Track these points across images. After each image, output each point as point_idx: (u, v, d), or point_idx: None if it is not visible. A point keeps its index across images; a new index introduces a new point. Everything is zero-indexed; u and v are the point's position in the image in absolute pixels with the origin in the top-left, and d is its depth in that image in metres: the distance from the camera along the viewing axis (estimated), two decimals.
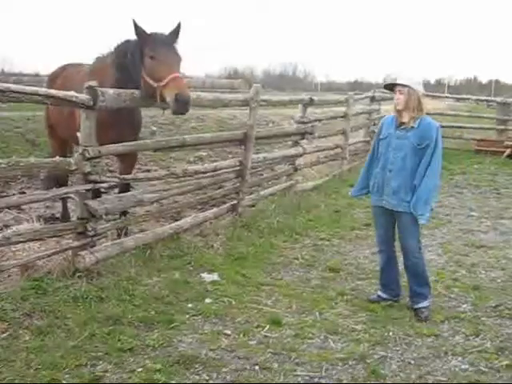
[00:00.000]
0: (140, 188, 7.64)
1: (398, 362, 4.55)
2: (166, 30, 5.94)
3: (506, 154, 16.14)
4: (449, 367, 4.48)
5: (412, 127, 5.31)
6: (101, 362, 4.26)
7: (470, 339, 4.99)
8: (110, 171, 10.60)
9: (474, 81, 74.98)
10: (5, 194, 9.88)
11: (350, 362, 4.50)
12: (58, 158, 5.68)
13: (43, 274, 5.45)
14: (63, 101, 5.28)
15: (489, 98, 28.32)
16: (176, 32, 5.96)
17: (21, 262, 5.34)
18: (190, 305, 5.41)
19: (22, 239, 5.24)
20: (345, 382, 4.22)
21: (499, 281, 6.47)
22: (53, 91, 5.32)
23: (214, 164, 7.88)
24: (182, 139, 6.97)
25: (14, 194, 9.20)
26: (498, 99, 19.96)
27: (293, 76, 79.78)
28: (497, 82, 63.83)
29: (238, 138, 8.10)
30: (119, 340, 4.54)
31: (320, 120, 12.01)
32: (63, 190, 5.67)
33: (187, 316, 5.17)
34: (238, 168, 8.09)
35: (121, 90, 5.75)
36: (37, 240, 5.73)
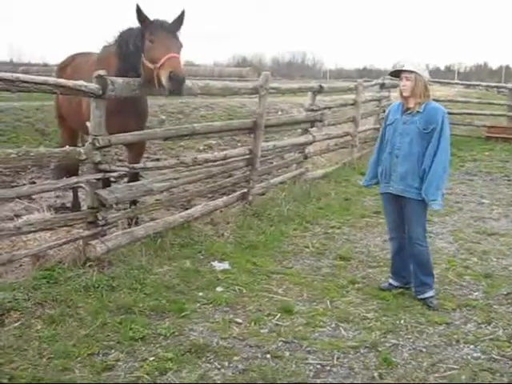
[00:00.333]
0: (150, 177, 7.65)
1: (409, 350, 4.54)
2: (172, 18, 5.92)
3: None
4: (461, 355, 4.47)
5: (418, 112, 5.29)
6: (113, 351, 4.28)
7: (482, 327, 4.97)
8: (120, 160, 10.62)
9: (484, 67, 74.52)
10: (15, 183, 9.92)
11: (362, 350, 4.50)
12: (68, 147, 5.67)
13: (54, 264, 5.47)
14: (72, 90, 5.27)
15: (499, 85, 28.17)
16: (180, 20, 5.92)
17: (32, 252, 5.35)
18: (200, 293, 5.42)
19: (32, 229, 5.25)
20: (356, 370, 4.21)
21: (511, 268, 6.43)
22: (62, 81, 5.31)
23: (224, 152, 7.86)
24: (192, 128, 6.95)
25: (24, 184, 9.21)
26: (509, 85, 19.80)
27: (302, 64, 79.57)
28: (507, 67, 63.44)
29: (248, 127, 8.07)
30: (131, 329, 4.55)
31: (330, 107, 11.96)
32: (73, 179, 5.67)
33: (198, 305, 5.18)
34: (248, 156, 8.07)
35: (130, 79, 5.74)
36: (48, 230, 5.73)
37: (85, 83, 5.29)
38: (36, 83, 4.83)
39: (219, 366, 4.17)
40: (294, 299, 5.44)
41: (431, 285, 5.49)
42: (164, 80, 5.50)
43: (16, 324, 4.52)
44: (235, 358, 4.29)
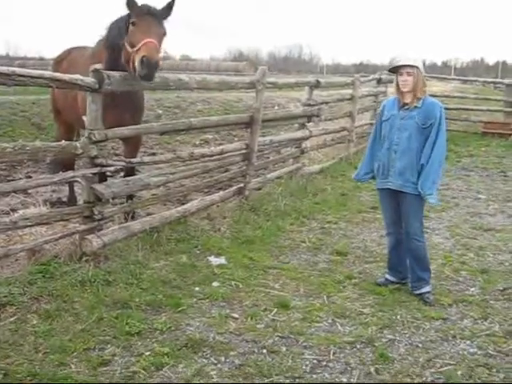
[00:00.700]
0: (146, 172, 7.63)
1: (405, 345, 4.54)
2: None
3: None
4: (457, 350, 4.47)
5: (415, 107, 5.28)
6: (109, 346, 4.27)
7: (479, 322, 4.98)
8: (116, 155, 10.61)
9: (481, 62, 74.59)
10: (11, 178, 9.90)
11: (358, 346, 4.50)
12: (64, 141, 5.66)
13: (50, 258, 5.46)
14: (69, 84, 5.24)
15: (496, 80, 28.14)
16: (169, 7, 5.80)
17: (28, 247, 5.34)
18: (197, 288, 5.41)
19: (28, 223, 5.24)
20: (353, 365, 4.21)
21: (507, 264, 6.44)
22: (58, 74, 5.28)
23: (221, 147, 7.85)
24: (189, 122, 6.93)
25: (20, 178, 9.19)
26: (506, 81, 19.78)
27: (298, 58, 79.46)
28: (504, 63, 63.47)
29: (245, 121, 8.06)
30: (127, 324, 4.54)
31: (326, 102, 11.94)
32: (70, 173, 5.65)
33: (195, 299, 5.17)
34: (245, 151, 8.06)
35: (127, 73, 5.71)
36: (44, 224, 5.71)
37: (81, 77, 5.27)
38: (32, 77, 4.81)
39: (215, 361, 4.16)
40: (290, 294, 5.44)
41: (428, 280, 5.49)
42: (137, 65, 5.40)
43: (12, 319, 4.51)
44: (231, 353, 4.29)
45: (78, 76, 5.26)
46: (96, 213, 5.67)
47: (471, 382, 4.05)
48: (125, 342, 4.32)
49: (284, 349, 4.39)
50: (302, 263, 6.33)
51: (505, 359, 4.35)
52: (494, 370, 4.17)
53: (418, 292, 5.46)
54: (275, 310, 5.06)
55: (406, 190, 5.33)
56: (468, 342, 4.62)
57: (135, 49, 5.49)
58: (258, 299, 5.28)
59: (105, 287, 5.12)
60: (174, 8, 5.82)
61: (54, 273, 5.20)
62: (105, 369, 3.99)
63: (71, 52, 7.73)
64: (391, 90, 14.99)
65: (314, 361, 4.25)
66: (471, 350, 4.48)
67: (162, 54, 5.65)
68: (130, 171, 6.70)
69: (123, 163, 6.07)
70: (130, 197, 6.67)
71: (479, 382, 4.05)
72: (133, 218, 6.63)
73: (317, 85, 10.20)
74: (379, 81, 14.71)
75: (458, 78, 28.60)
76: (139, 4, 5.70)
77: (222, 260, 6.14)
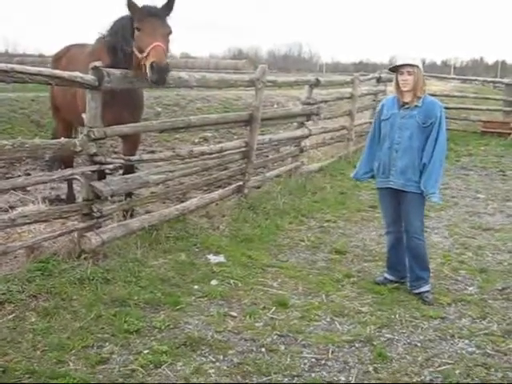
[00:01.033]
0: (145, 169, 7.62)
1: (404, 344, 4.54)
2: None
3: None
4: (455, 350, 4.48)
5: (416, 106, 5.28)
6: (107, 344, 4.26)
7: (477, 322, 4.98)
8: (115, 152, 10.59)
9: (480, 62, 74.61)
10: (10, 175, 9.89)
11: (357, 345, 4.50)
12: (63, 139, 5.65)
13: (49, 256, 5.45)
14: (68, 81, 5.23)
15: (496, 80, 28.19)
16: (169, 4, 5.79)
17: (26, 244, 5.33)
18: (196, 286, 5.41)
19: (27, 221, 5.23)
20: (351, 364, 4.21)
21: (506, 264, 6.44)
22: (57, 72, 5.27)
23: (220, 145, 7.84)
24: (188, 120, 6.92)
25: (19, 176, 9.19)
26: (505, 80, 19.80)
27: (298, 57, 79.42)
28: (503, 62, 63.50)
29: (244, 119, 8.05)
30: (125, 322, 4.54)
31: (326, 101, 11.94)
32: (69, 171, 5.64)
33: (193, 298, 5.17)
34: (244, 149, 8.05)
35: (127, 71, 5.70)
36: (42, 221, 5.70)
37: (80, 74, 5.25)
38: (31, 74, 4.79)
39: (214, 360, 4.16)
40: (289, 293, 5.44)
41: (427, 279, 5.49)
42: (148, 70, 5.43)
43: (10, 316, 4.50)
44: (230, 351, 4.29)
45: (77, 73, 5.25)
46: (95, 210, 5.66)
47: (469, 381, 4.05)
48: (123, 340, 4.31)
49: (282, 347, 4.39)
50: (301, 262, 6.33)
51: (503, 358, 4.35)
52: (492, 370, 4.17)
53: (416, 291, 5.46)
54: (274, 308, 5.06)
55: (408, 189, 5.33)
56: (466, 341, 4.62)
57: (144, 54, 5.50)
58: (256, 298, 5.28)
59: (103, 285, 5.12)
60: (175, 5, 5.81)
61: (53, 270, 5.19)
62: (103, 367, 3.98)
63: (70, 49, 7.71)
64: (390, 88, 15.04)
65: (313, 359, 4.25)
66: (469, 350, 4.48)
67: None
68: (129, 169, 6.69)
69: (122, 161, 6.07)
70: (129, 194, 6.66)
71: (477, 381, 4.05)
72: (132, 215, 6.63)
73: (316, 83, 10.19)
74: (379, 79, 14.71)
75: (457, 77, 28.71)
76: (140, 6, 5.70)
77: (220, 258, 6.14)
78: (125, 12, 5.89)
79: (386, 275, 5.76)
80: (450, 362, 4.28)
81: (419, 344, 4.55)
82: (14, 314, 4.53)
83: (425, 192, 5.24)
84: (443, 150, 5.30)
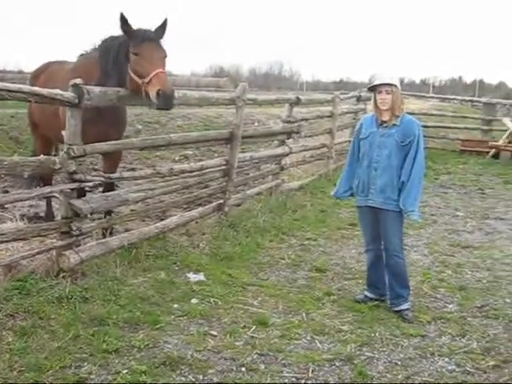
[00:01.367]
0: (125, 187, 7.58)
1: (384, 362, 4.54)
2: (153, 25, 5.87)
3: (490, 155, 16.22)
4: (435, 368, 4.48)
5: (394, 124, 5.33)
6: (85, 364, 4.21)
7: (457, 340, 4.99)
8: (95, 170, 10.54)
9: (458, 81, 75.49)
10: None
11: (337, 363, 4.48)
12: (42, 156, 5.61)
13: (27, 274, 5.37)
14: (47, 98, 5.19)
15: (474, 99, 28.51)
16: (162, 27, 5.87)
17: (4, 262, 5.26)
18: (175, 305, 5.37)
19: (5, 239, 5.17)
20: (331, 382, 4.20)
21: (485, 281, 6.48)
22: (37, 89, 5.23)
23: (200, 163, 7.83)
24: (169, 138, 6.91)
25: None
26: (484, 99, 20.08)
27: (279, 75, 79.77)
28: (481, 82, 64.33)
29: (225, 137, 8.06)
30: (104, 341, 4.48)
31: (306, 119, 12.00)
32: (48, 189, 5.60)
33: (173, 317, 5.13)
34: (224, 167, 8.05)
35: (107, 88, 5.69)
36: (20, 239, 5.63)
37: (60, 92, 5.22)
38: (10, 91, 4.76)
39: (194, 379, 4.12)
40: (269, 311, 5.42)
41: (407, 297, 5.51)
42: (153, 97, 5.49)
43: None
44: (210, 370, 4.25)
45: (57, 91, 5.22)
46: (74, 228, 5.61)
47: None
48: (102, 360, 4.26)
49: (263, 367, 4.37)
50: (281, 280, 6.32)
51: (483, 376, 4.36)
52: None
53: (396, 309, 5.47)
54: (254, 327, 5.03)
55: (387, 207, 5.36)
56: (446, 359, 4.63)
57: (145, 80, 5.55)
58: (236, 316, 5.25)
59: (82, 304, 5.06)
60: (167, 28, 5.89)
61: (31, 289, 5.12)
62: None
63: (49, 66, 7.67)
64: (370, 107, 15.16)
65: (293, 379, 4.22)
66: (449, 368, 4.49)
67: None
68: (109, 186, 6.65)
69: (102, 178, 6.03)
70: (109, 212, 6.60)
71: None
72: (111, 233, 6.57)
73: (297, 102, 10.25)
74: (359, 98, 14.84)
75: (436, 96, 29.03)
76: (135, 29, 5.72)
77: (200, 276, 6.10)
78: (107, 32, 5.94)
79: (366, 293, 5.77)
80: (430, 380, 4.29)
81: (399, 362, 4.55)
82: None
83: (404, 210, 5.28)
84: (422, 168, 5.35)
